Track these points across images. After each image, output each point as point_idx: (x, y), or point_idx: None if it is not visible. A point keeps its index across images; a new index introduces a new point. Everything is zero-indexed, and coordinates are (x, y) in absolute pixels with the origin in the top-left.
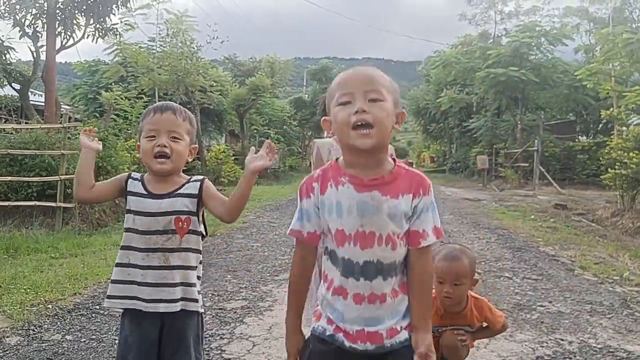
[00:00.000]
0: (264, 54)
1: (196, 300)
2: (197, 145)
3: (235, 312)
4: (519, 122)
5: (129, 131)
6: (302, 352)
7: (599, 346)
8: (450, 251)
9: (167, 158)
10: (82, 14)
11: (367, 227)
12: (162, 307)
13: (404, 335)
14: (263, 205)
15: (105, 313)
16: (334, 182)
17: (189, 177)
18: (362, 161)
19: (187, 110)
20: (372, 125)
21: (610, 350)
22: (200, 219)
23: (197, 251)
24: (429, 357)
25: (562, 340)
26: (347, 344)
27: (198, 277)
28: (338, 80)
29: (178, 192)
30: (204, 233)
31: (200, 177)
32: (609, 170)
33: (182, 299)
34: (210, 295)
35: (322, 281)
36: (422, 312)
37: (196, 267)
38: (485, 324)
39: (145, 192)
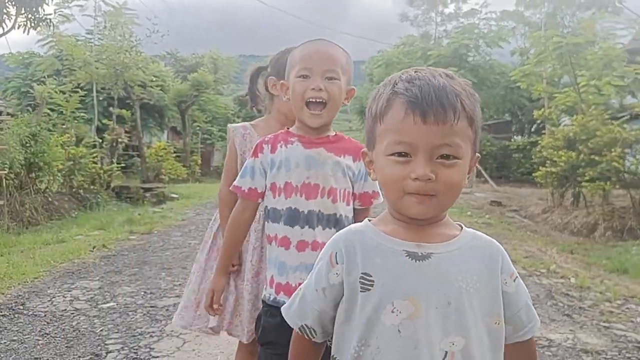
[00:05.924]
0: (207, 50)
1: None
2: None
3: (167, 310)
4: None
5: (64, 126)
6: (255, 325)
7: None
8: None
9: None
10: (13, 2)
11: (312, 179)
12: None
13: None
14: (204, 203)
15: (29, 314)
16: (284, 142)
17: None
18: (310, 130)
19: None
20: (325, 103)
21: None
22: None
23: None
24: None
25: None
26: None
27: None
28: (301, 52)
29: None
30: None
31: None
32: (540, 168)
33: None
34: (142, 293)
35: (268, 244)
36: None
37: None
38: None
39: None
